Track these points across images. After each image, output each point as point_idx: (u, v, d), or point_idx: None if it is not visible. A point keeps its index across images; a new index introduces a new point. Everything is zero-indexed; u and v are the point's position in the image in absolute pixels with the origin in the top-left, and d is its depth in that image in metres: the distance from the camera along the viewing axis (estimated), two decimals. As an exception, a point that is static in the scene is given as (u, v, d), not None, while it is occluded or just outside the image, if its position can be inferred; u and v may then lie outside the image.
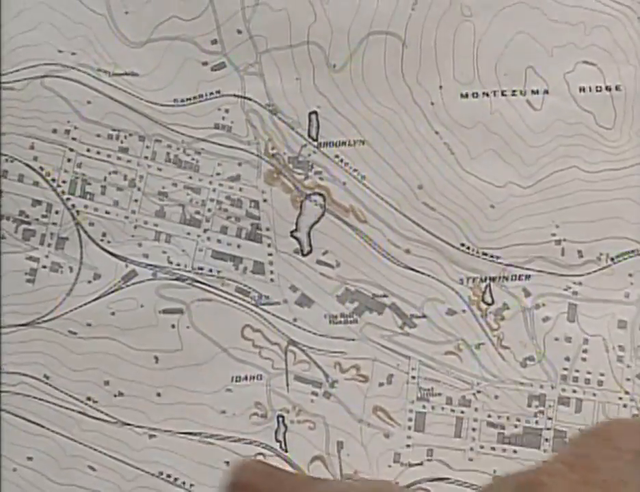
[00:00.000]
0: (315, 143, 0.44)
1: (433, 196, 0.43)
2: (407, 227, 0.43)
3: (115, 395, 0.43)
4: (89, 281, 0.43)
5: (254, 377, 0.43)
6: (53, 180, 0.43)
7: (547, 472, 0.28)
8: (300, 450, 0.43)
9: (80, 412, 0.43)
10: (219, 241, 0.44)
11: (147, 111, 0.44)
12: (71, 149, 0.43)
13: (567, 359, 0.43)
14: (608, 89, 0.43)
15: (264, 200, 0.44)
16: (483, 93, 0.43)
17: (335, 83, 0.43)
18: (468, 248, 0.43)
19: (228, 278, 0.44)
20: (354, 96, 0.43)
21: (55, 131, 0.43)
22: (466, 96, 0.43)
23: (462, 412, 0.43)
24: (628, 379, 0.43)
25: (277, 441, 0.43)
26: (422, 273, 0.43)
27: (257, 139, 0.44)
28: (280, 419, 0.43)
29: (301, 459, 0.43)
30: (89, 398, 0.43)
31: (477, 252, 0.43)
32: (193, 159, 0.44)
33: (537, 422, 0.43)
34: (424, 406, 0.43)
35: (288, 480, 0.29)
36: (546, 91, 0.43)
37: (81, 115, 0.43)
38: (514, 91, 0.43)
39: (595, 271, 0.43)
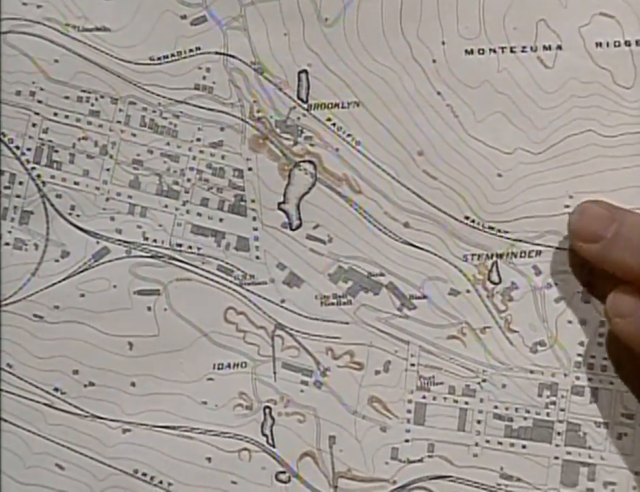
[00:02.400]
0: (305, 106, 0.40)
1: (435, 163, 0.40)
2: (406, 198, 0.40)
3: (85, 386, 0.40)
4: (57, 260, 0.40)
5: (237, 365, 0.40)
6: (17, 147, 0.40)
7: None
8: (289, 445, 0.40)
9: (46, 404, 0.40)
10: (199, 215, 0.40)
11: (120, 71, 0.40)
12: (36, 113, 0.40)
13: (582, 343, 0.40)
14: (627, 43, 0.40)
15: (249, 169, 0.40)
16: (490, 49, 0.40)
17: (327, 39, 0.40)
18: (473, 221, 0.40)
19: (209, 255, 0.40)
20: (348, 53, 0.40)
21: (18, 93, 0.40)
22: (471, 52, 0.40)
23: (466, 403, 0.40)
24: (650, 366, 0.39)
25: (264, 435, 0.40)
26: (423, 249, 0.40)
27: (241, 101, 0.40)
28: (267, 411, 0.40)
29: (290, 455, 0.40)
30: (56, 389, 0.40)
31: (483, 226, 0.40)
32: (170, 123, 0.40)
33: (548, 414, 0.39)
34: (424, 397, 0.40)
35: None
36: (559, 47, 0.40)
37: (48, 75, 0.40)
38: (524, 47, 0.40)
39: (613, 246, 0.40)
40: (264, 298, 0.40)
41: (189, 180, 0.40)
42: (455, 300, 0.40)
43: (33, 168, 0.40)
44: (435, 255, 0.40)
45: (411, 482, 0.39)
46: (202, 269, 0.40)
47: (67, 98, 0.40)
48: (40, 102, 0.40)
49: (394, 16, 0.40)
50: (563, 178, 0.40)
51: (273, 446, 0.40)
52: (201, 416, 0.40)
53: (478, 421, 0.40)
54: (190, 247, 0.40)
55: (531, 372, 0.40)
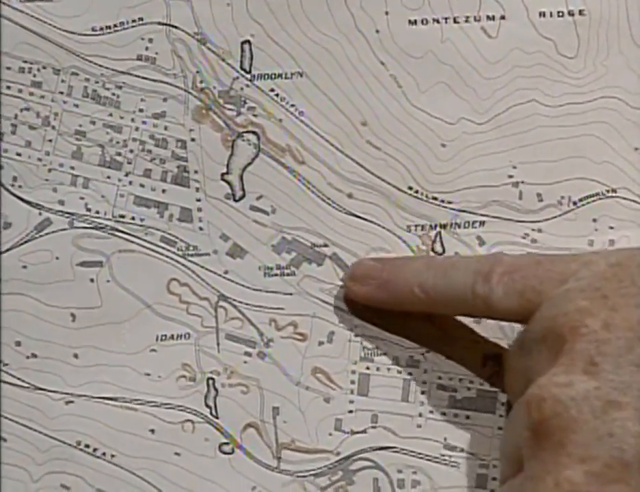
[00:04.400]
0: (248, 76, 0.40)
1: (379, 134, 0.40)
2: (349, 169, 0.40)
3: (27, 357, 0.39)
4: (-1, 232, 0.40)
5: (181, 336, 0.40)
6: (-41, 119, 0.40)
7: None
8: (232, 416, 0.39)
9: (-11, 376, 0.39)
10: (142, 186, 0.40)
11: (62, 41, 0.40)
12: (-23, 84, 0.40)
13: (527, 314, 0.39)
14: (570, 13, 0.40)
15: (192, 140, 0.40)
16: (434, 19, 0.40)
17: (270, 9, 0.40)
18: (417, 192, 0.40)
19: (152, 226, 0.40)
20: (291, 23, 0.40)
21: (-41, 64, 0.40)
22: (415, 22, 0.40)
23: (410, 374, 0.39)
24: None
25: (207, 406, 0.39)
26: (366, 220, 0.40)
27: (184, 72, 0.40)
28: (210, 382, 0.39)
29: (234, 426, 0.39)
30: (-1, 361, 0.39)
31: (427, 196, 0.40)
32: (113, 94, 0.40)
33: (492, 384, 0.39)
34: (368, 368, 0.39)
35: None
36: (503, 17, 0.40)
37: (-12, 46, 0.40)
38: (467, 17, 0.40)
39: (556, 216, 0.40)
40: (208, 270, 0.40)
41: (131, 151, 0.40)
42: (399, 271, 0.40)
43: (-24, 139, 0.40)
44: (379, 225, 0.40)
45: (354, 453, 0.39)
46: (145, 240, 0.40)
47: (8, 68, 0.40)
48: (-19, 72, 0.40)
49: (337, -15, 0.40)
50: (507, 148, 0.40)
51: (217, 417, 0.39)
52: (144, 387, 0.39)
53: (422, 392, 0.39)
54: (133, 218, 0.40)
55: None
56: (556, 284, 0.35)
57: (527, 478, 0.32)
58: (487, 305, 0.36)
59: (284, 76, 0.40)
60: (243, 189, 0.40)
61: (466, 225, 0.40)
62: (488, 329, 0.39)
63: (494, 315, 0.37)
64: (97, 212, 0.40)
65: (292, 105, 0.40)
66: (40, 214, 0.40)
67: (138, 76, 0.40)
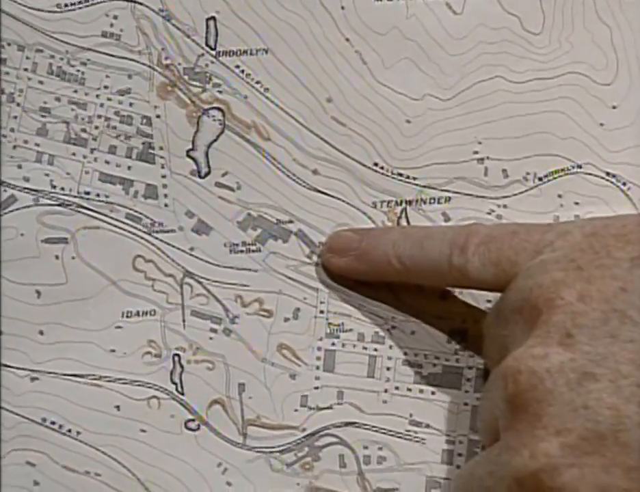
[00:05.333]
0: (213, 53, 0.40)
1: (344, 110, 0.40)
2: (314, 145, 0.40)
3: (-7, 334, 0.39)
4: (-36, 209, 0.39)
5: (146, 312, 0.39)
6: None
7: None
8: (198, 393, 0.39)
9: (-45, 354, 0.39)
10: (107, 162, 0.40)
11: (26, 18, 0.40)
12: (-58, 61, 0.40)
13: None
14: (535, -11, 0.40)
15: (158, 116, 0.40)
16: (398, -5, 0.39)
17: (234, -15, 0.40)
18: (382, 168, 0.40)
19: (118, 203, 0.40)
20: (256, 0, 0.40)
21: None
22: (379, -2, 0.39)
23: (375, 350, 0.39)
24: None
25: (173, 382, 0.39)
26: (332, 196, 0.40)
27: (149, 48, 0.40)
28: (176, 358, 0.39)
29: (199, 402, 0.39)
30: (-35, 338, 0.39)
31: (392, 172, 0.40)
32: (78, 71, 0.40)
33: (457, 360, 0.39)
34: (333, 344, 0.39)
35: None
36: (467, -7, 0.39)
37: (-47, 22, 0.39)
38: (432, -8, 0.39)
39: (521, 192, 0.40)
40: (173, 246, 0.40)
41: (96, 127, 0.40)
42: (365, 247, 0.40)
43: (-59, 116, 0.40)
44: (344, 202, 0.40)
45: (320, 429, 0.39)
46: (110, 217, 0.40)
47: (-27, 45, 0.40)
48: (-54, 49, 0.40)
49: (301, -40, 0.40)
50: (472, 124, 0.40)
51: (182, 394, 0.39)
52: (109, 364, 0.39)
53: (388, 368, 0.39)
54: (98, 195, 0.40)
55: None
56: (531, 255, 0.35)
57: (503, 449, 0.32)
58: (463, 276, 0.36)
59: (249, 52, 0.40)
60: (209, 166, 0.40)
61: (432, 201, 0.40)
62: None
63: (470, 285, 0.37)
64: (62, 189, 0.40)
65: (258, 82, 0.40)
66: (5, 191, 0.39)
67: (103, 53, 0.40)
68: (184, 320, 0.40)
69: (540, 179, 0.40)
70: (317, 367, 0.39)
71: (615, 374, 0.31)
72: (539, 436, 0.31)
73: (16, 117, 0.40)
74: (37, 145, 0.40)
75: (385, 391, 0.39)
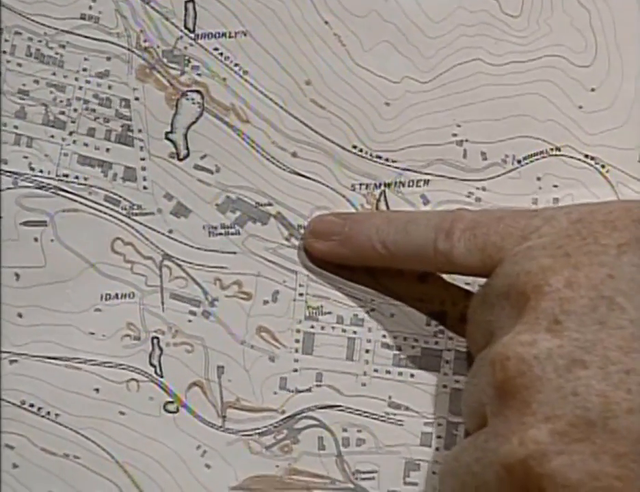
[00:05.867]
0: (192, 35, 0.40)
1: (323, 93, 0.40)
2: (293, 128, 0.40)
3: (-28, 317, 0.39)
4: (-55, 192, 0.39)
5: (125, 295, 0.39)
6: None
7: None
8: (177, 375, 0.39)
9: (-64, 337, 0.39)
10: (86, 145, 0.40)
11: (5, 0, 0.39)
12: None
13: (472, 273, 0.39)
14: (513, -29, 0.39)
15: (136, 99, 0.40)
16: (377, -23, 0.39)
17: (213, -33, 0.40)
18: (361, 150, 0.40)
19: (96, 186, 0.40)
20: (234, -19, 0.40)
21: None
22: (358, -20, 0.39)
23: (354, 332, 0.39)
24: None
25: (152, 365, 0.39)
26: (311, 179, 0.40)
27: (128, 31, 0.40)
28: (155, 341, 0.39)
29: (178, 385, 0.39)
30: (-55, 321, 0.39)
31: (371, 155, 0.40)
32: (56, 53, 0.40)
33: (436, 343, 0.39)
34: (312, 326, 0.39)
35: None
36: (446, -25, 0.39)
37: None
38: (410, -25, 0.39)
39: (500, 175, 0.40)
40: (152, 229, 0.40)
41: (75, 110, 0.40)
42: (344, 230, 0.40)
43: None
44: (323, 184, 0.40)
45: (299, 411, 0.39)
46: (89, 200, 0.40)
47: (-49, 27, 0.40)
48: None
49: (280, -58, 0.39)
50: (451, 106, 0.40)
51: (161, 376, 0.39)
52: (88, 347, 0.39)
53: (367, 351, 0.39)
54: (77, 178, 0.40)
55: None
56: (517, 240, 0.35)
57: (491, 435, 0.32)
58: (448, 261, 0.36)
59: (227, 35, 0.40)
60: (187, 148, 0.40)
61: (410, 183, 0.40)
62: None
63: (456, 270, 0.37)
64: (41, 172, 0.40)
65: (236, 64, 0.40)
66: (-16, 173, 0.40)
67: (81, 36, 0.40)
68: (163, 303, 0.40)
69: (519, 161, 0.40)
70: (296, 350, 0.39)
71: (603, 361, 0.31)
72: (528, 423, 0.31)
73: (-6, 100, 0.40)
74: (15, 127, 0.40)
75: (365, 373, 0.39)
